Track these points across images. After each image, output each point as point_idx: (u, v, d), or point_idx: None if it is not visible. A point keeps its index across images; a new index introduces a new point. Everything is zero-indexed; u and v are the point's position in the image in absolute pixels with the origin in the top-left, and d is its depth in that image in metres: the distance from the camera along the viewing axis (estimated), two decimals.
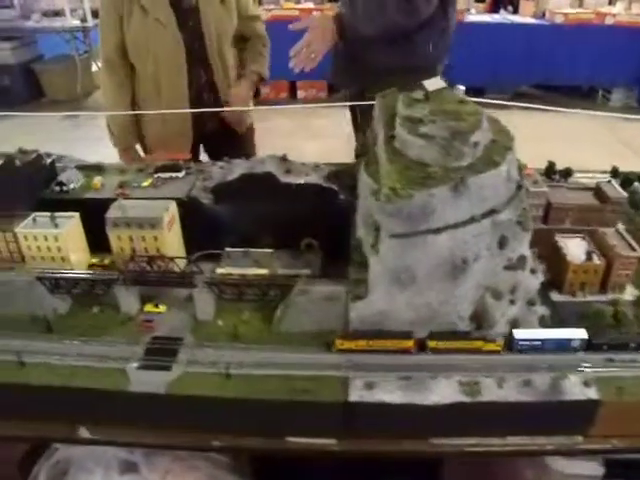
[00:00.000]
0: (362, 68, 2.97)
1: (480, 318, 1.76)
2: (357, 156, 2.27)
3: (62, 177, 2.24)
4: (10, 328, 1.71)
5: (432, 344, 1.62)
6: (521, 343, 1.65)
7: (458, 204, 1.57)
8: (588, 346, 1.65)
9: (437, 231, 1.58)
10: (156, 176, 2.28)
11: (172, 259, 1.74)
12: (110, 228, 1.80)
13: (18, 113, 3.44)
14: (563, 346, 1.65)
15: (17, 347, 1.62)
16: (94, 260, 2.00)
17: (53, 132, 5.50)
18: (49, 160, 2.29)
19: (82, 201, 2.19)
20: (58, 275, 1.75)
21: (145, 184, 2.24)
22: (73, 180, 2.26)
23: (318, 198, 2.12)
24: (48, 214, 1.94)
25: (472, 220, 1.61)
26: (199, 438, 1.59)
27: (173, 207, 1.89)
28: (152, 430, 1.59)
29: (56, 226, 1.89)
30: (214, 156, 3.28)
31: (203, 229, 2.08)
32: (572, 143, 5.38)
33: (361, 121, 3.19)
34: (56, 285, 1.74)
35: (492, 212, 1.65)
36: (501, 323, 1.73)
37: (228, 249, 1.95)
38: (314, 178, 2.14)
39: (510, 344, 1.66)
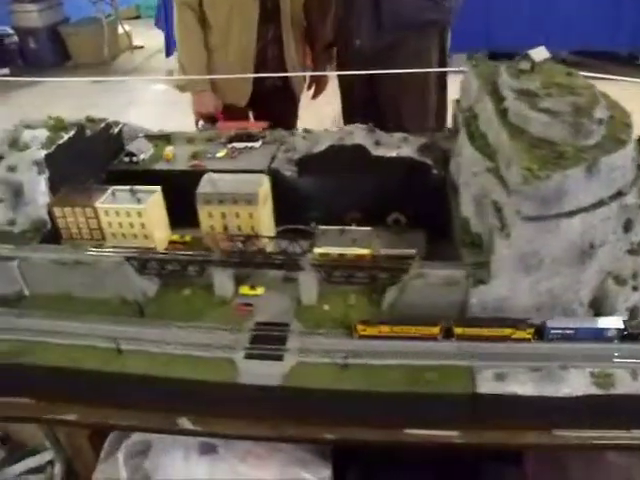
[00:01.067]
0: (390, 21, 2.83)
1: (599, 304, 1.66)
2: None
3: (131, 147, 2.09)
4: (100, 312, 1.60)
5: (459, 331, 1.49)
6: (553, 332, 1.51)
7: (589, 186, 1.44)
8: (624, 336, 1.53)
9: (570, 214, 1.45)
10: (230, 146, 2.14)
11: (272, 238, 1.61)
12: (201, 204, 1.66)
13: (54, 79, 3.26)
14: (597, 335, 1.52)
15: (112, 333, 1.51)
16: (174, 237, 1.88)
17: (82, 97, 5.27)
18: (116, 129, 2.14)
19: (155, 173, 2.05)
20: (149, 256, 1.62)
21: (220, 155, 2.10)
22: (143, 150, 2.11)
23: (410, 172, 1.99)
24: (128, 188, 1.80)
25: (601, 203, 1.49)
26: (309, 430, 1.49)
27: (266, 182, 1.75)
28: (258, 422, 1.49)
29: (138, 201, 1.75)
30: (262, 116, 3.15)
31: (285, 203, 1.95)
32: None
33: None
34: (144, 266, 1.62)
35: (619, 194, 1.52)
36: (621, 310, 1.64)
37: (322, 226, 1.82)
38: (406, 151, 1.99)
39: (542, 332, 1.52)
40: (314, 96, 3.38)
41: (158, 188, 1.80)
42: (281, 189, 1.94)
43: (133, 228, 1.75)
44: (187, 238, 1.85)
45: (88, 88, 5.56)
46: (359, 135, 1.98)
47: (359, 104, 3.43)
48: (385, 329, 1.48)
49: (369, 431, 1.48)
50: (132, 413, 1.52)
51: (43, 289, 1.67)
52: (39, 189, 1.77)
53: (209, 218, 1.68)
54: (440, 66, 3.11)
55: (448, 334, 1.50)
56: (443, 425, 1.46)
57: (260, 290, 1.65)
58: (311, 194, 1.98)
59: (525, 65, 1.71)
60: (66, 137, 1.86)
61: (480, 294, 1.51)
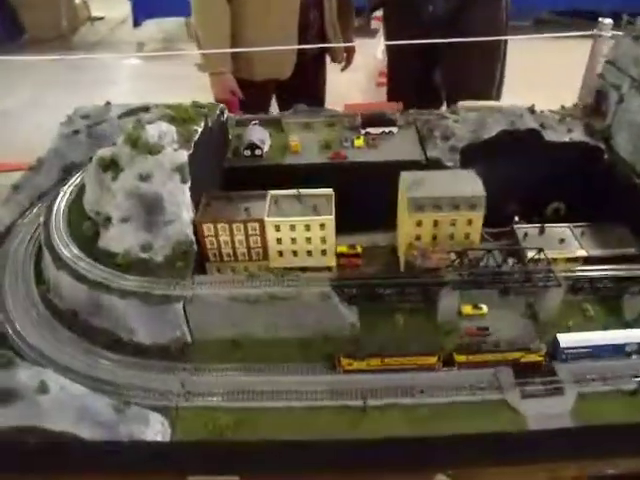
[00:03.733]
0: None
1: None
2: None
3: (252, 137, 1.70)
4: (308, 357, 1.26)
5: (460, 358, 1.27)
6: (567, 352, 1.28)
7: None
8: None
9: None
10: (364, 132, 1.80)
11: (489, 251, 1.31)
12: (411, 211, 1.33)
13: (23, 57, 2.67)
14: (616, 352, 1.31)
15: (347, 385, 1.18)
16: (342, 248, 1.53)
17: (47, 75, 4.51)
18: (224, 115, 1.73)
19: (288, 168, 1.68)
20: (358, 281, 1.28)
21: (358, 143, 1.76)
22: (264, 141, 1.73)
23: (582, 158, 1.76)
24: (291, 193, 1.44)
25: None
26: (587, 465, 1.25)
27: (479, 181, 1.43)
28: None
29: (314, 209, 1.40)
30: (289, 91, 2.81)
31: None
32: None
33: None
34: (354, 294, 1.28)
35: None
36: None
37: (517, 225, 1.55)
38: (578, 135, 1.75)
39: (554, 353, 1.30)
40: (345, 67, 3.04)
41: (330, 191, 1.45)
42: None
43: (310, 243, 1.40)
44: (358, 249, 1.52)
45: (50, 67, 4.74)
46: (528, 117, 1.72)
47: (412, 75, 3.15)
48: (375, 362, 1.26)
49: None
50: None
51: (211, 333, 1.30)
52: (184, 202, 1.37)
53: (416, 227, 1.36)
54: (505, 32, 2.87)
55: (448, 363, 1.28)
56: None
57: (484, 309, 1.37)
58: None
59: None
60: (199, 131, 1.46)
61: None
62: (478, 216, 1.33)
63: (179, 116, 1.48)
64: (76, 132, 1.98)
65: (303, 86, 2.86)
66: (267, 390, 1.19)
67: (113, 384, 1.21)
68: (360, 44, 3.95)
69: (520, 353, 1.23)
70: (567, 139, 1.71)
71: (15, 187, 1.78)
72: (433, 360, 1.23)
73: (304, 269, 1.42)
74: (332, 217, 1.35)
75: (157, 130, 1.42)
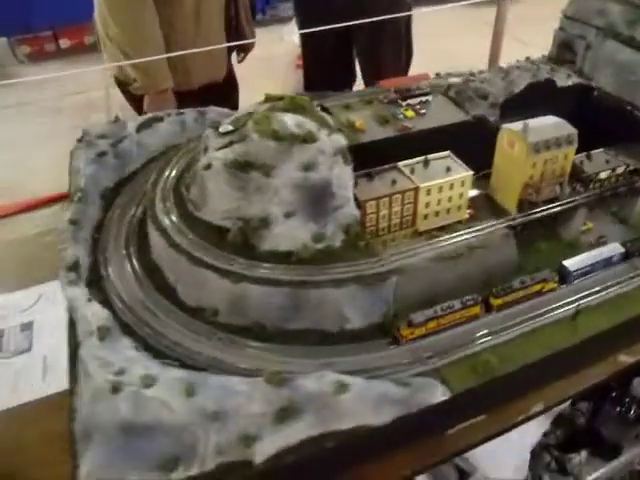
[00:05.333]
0: None
1: None
2: None
3: None
4: None
5: (497, 302, 1.40)
6: (574, 273, 1.51)
7: None
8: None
9: None
10: (405, 104, 1.93)
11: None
12: (532, 154, 1.52)
13: None
14: (607, 264, 1.56)
15: None
16: None
17: None
18: None
19: (370, 145, 1.73)
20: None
21: (409, 114, 1.88)
22: None
23: (580, 97, 2.09)
24: (417, 160, 1.53)
25: None
26: None
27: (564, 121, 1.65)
28: None
29: (447, 170, 1.51)
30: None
31: (489, 151, 1.90)
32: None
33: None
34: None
35: None
36: None
37: None
38: (573, 79, 2.10)
39: (564, 277, 1.51)
40: (243, 59, 3.02)
41: (447, 152, 1.57)
42: (486, 136, 1.88)
43: (450, 202, 1.51)
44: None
45: None
46: (543, 69, 2.03)
47: (325, 57, 3.32)
48: (432, 324, 1.31)
49: None
50: None
51: (412, 300, 1.33)
52: (350, 184, 1.36)
53: (531, 168, 1.56)
54: (410, 7, 3.16)
55: (488, 308, 1.40)
56: None
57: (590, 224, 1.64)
58: None
59: None
60: None
61: None
62: (573, 150, 1.57)
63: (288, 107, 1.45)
64: (103, 154, 1.74)
65: (227, 83, 2.86)
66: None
67: (366, 370, 1.20)
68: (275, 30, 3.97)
69: (540, 285, 1.42)
70: (570, 83, 2.03)
71: (73, 222, 1.52)
72: (477, 309, 1.33)
73: (442, 227, 1.53)
74: (471, 172, 1.48)
75: (293, 120, 1.38)
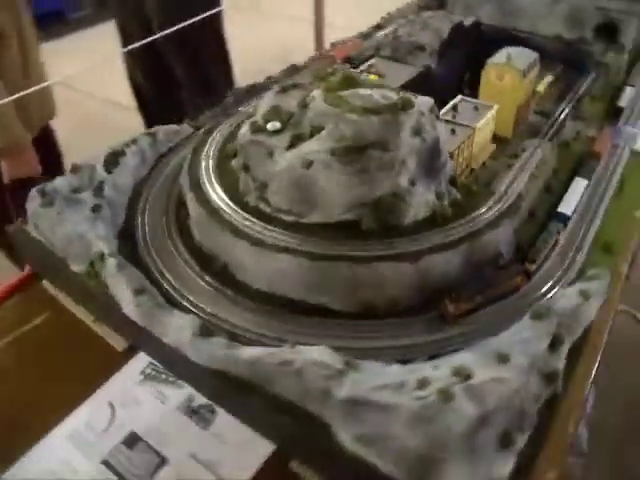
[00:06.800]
0: None
1: None
2: None
3: None
4: None
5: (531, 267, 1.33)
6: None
7: None
8: None
9: None
10: (359, 71, 1.97)
11: None
12: (522, 79, 1.71)
13: None
14: None
15: None
16: None
17: None
18: None
19: None
20: None
21: (374, 78, 1.93)
22: None
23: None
24: (448, 106, 1.62)
25: None
26: None
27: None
28: None
29: (475, 109, 1.63)
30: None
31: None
32: None
33: None
34: None
35: None
36: None
37: None
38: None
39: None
40: None
41: (460, 96, 1.70)
42: (434, 82, 2.07)
43: (486, 137, 1.65)
44: None
45: None
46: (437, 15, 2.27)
47: (145, 64, 3.16)
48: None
49: None
50: None
51: None
52: (444, 138, 1.39)
53: (522, 93, 1.79)
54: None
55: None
56: None
57: None
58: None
59: None
60: None
61: None
62: (537, 71, 1.85)
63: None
64: (98, 208, 1.38)
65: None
66: None
67: None
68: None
69: None
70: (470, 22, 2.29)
71: (139, 291, 1.19)
72: (519, 280, 1.26)
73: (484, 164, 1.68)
74: (497, 106, 1.65)
75: (374, 92, 1.34)
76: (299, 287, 1.26)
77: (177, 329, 1.16)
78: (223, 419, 1.23)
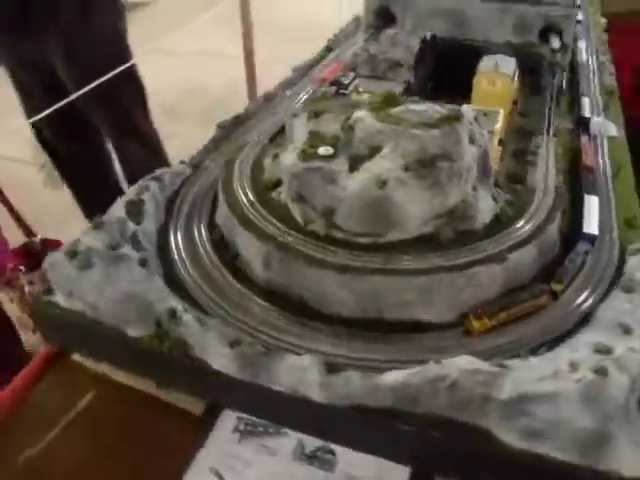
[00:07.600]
0: None
1: None
2: None
3: None
4: None
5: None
6: None
7: None
8: None
9: None
10: (347, 92, 1.99)
11: None
12: (511, 81, 1.84)
13: None
14: None
15: None
16: None
17: None
18: None
19: None
20: None
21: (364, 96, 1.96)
22: None
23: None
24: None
25: None
26: None
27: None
28: None
29: (484, 115, 1.71)
30: None
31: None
32: None
33: None
34: None
35: None
36: None
37: None
38: None
39: None
40: None
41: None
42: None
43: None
44: None
45: None
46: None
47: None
48: (503, 315, 1.20)
49: None
50: None
51: None
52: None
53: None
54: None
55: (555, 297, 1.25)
56: None
57: None
58: None
59: None
60: None
61: None
62: (516, 74, 1.99)
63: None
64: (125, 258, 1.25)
65: None
66: None
67: None
68: None
69: None
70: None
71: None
72: (545, 300, 1.23)
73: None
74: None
75: (424, 107, 1.36)
76: (390, 305, 1.24)
77: (296, 372, 1.10)
78: (345, 458, 1.18)
